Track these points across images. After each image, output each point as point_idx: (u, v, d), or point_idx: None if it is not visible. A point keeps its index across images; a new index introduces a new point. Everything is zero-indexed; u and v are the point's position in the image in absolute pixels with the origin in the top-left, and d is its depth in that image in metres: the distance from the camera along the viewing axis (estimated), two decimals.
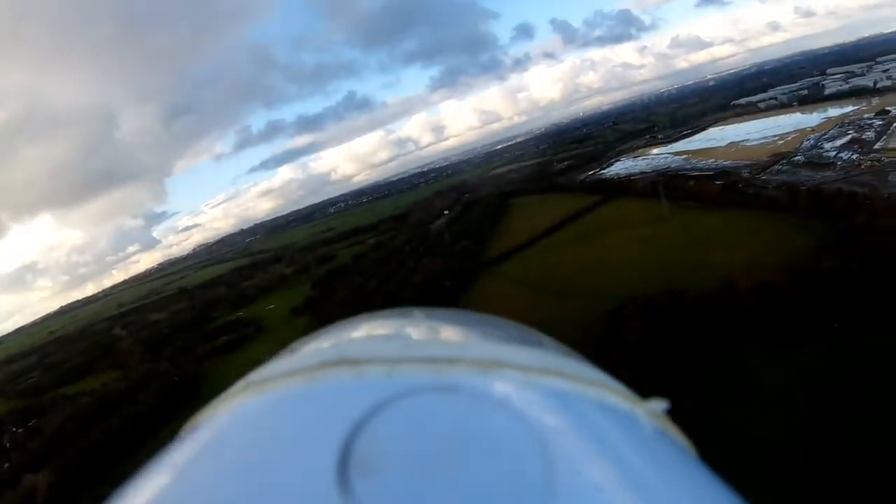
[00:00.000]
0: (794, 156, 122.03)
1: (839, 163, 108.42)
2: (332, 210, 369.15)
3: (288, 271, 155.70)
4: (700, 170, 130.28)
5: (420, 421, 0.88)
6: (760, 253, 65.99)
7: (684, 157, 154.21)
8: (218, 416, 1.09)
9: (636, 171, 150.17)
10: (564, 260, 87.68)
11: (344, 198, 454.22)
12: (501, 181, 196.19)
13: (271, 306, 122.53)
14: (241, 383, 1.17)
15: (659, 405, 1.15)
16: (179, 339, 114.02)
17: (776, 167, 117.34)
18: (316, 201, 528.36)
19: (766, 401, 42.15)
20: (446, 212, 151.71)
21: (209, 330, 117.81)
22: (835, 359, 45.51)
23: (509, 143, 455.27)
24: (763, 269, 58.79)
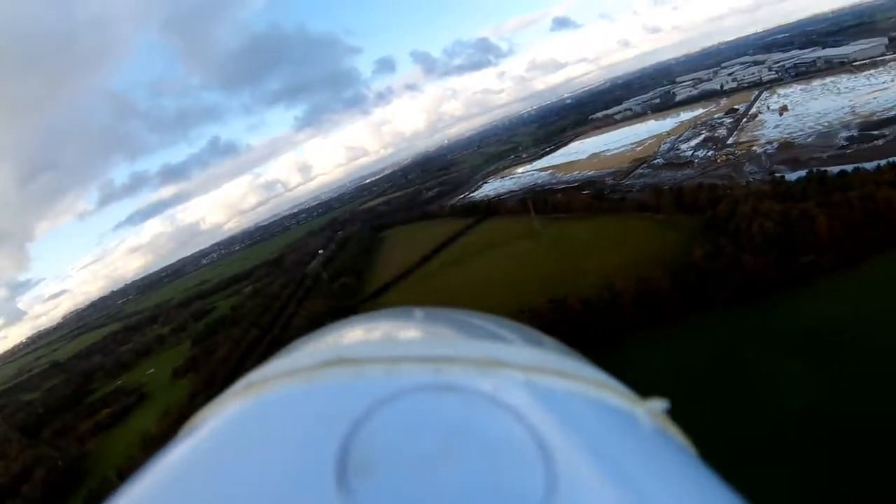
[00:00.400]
0: (654, 159, 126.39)
1: (696, 160, 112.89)
2: (204, 261, 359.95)
3: (165, 331, 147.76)
4: (566, 182, 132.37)
5: (419, 421, 0.88)
6: (634, 253, 66.73)
7: (549, 172, 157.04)
8: (217, 415, 1.09)
9: (504, 190, 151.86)
10: (444, 284, 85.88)
11: (216, 247, 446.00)
12: (373, 215, 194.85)
13: (152, 370, 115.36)
14: (241, 383, 1.17)
15: (659, 405, 1.14)
16: (58, 418, 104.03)
17: (638, 171, 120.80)
18: (187, 254, 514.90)
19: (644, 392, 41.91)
20: (321, 251, 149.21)
21: (89, 404, 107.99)
22: (715, 338, 48.12)
23: (378, 177, 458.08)
24: (638, 268, 59.27)
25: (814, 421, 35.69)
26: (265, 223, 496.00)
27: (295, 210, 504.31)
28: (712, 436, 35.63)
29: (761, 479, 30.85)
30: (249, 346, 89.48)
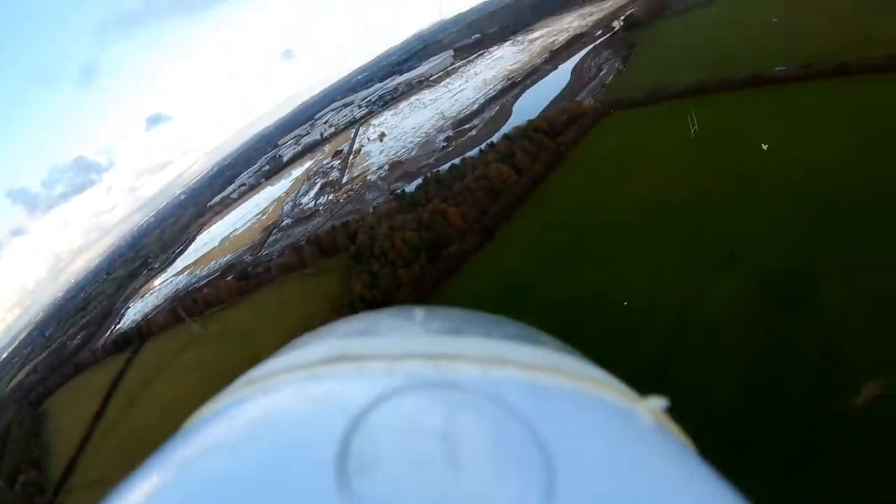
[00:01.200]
0: (282, 221, 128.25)
1: (321, 208, 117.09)
2: None
3: None
4: (208, 276, 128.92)
5: (420, 418, 0.88)
6: (299, 314, 66.34)
7: (187, 272, 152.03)
8: (218, 412, 1.09)
9: (150, 308, 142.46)
10: (136, 427, 78.05)
11: None
12: (24, 390, 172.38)
13: None
14: (241, 380, 1.18)
15: (658, 403, 1.14)
16: None
17: (271, 238, 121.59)
18: None
19: None
20: None
21: None
22: None
23: (14, 345, 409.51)
24: (312, 325, 58.84)
25: None
26: None
27: None
28: None
29: None
30: None
